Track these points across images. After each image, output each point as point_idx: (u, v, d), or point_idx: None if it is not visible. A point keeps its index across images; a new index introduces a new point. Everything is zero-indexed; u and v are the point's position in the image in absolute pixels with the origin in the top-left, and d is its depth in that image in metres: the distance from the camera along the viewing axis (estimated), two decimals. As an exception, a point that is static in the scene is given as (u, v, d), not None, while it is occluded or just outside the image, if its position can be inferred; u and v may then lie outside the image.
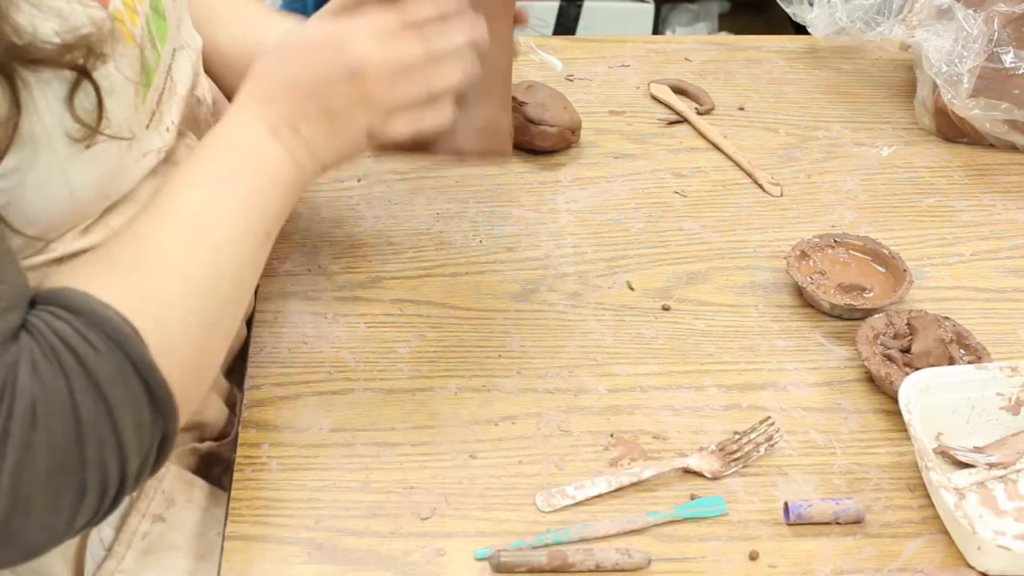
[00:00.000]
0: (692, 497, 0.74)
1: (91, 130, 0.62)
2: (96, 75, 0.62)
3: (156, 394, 0.59)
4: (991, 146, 1.11)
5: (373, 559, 0.69)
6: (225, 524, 0.71)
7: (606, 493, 0.73)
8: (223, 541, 0.70)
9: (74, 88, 0.61)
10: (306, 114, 0.69)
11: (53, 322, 0.58)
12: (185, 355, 0.63)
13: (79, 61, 0.60)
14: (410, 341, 0.85)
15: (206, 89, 0.84)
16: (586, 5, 2.42)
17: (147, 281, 0.63)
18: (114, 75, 0.64)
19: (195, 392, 0.67)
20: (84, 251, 0.67)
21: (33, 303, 0.60)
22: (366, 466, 0.75)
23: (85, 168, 0.64)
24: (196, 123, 0.81)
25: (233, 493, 0.72)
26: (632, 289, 0.92)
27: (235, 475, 0.73)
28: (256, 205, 0.69)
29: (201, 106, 0.82)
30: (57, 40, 0.59)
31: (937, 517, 0.73)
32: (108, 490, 0.58)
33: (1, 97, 0.57)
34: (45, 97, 0.60)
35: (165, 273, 0.64)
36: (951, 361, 0.82)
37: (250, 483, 0.73)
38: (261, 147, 0.69)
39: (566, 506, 0.73)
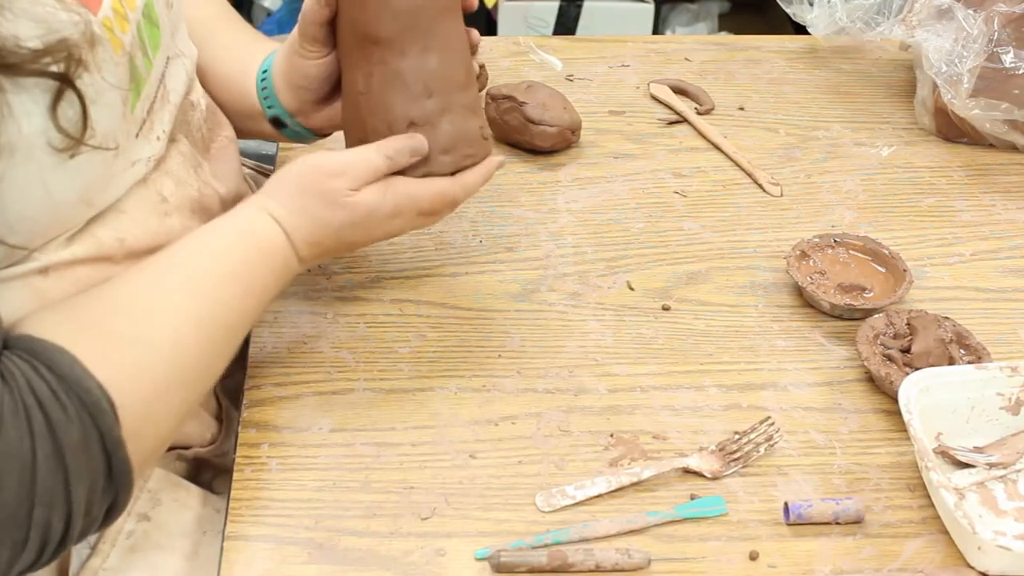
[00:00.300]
0: (692, 497, 0.74)
1: (75, 141, 0.61)
2: (80, 83, 0.61)
3: (116, 469, 0.60)
4: (991, 146, 1.11)
5: (373, 559, 0.69)
6: (225, 524, 0.71)
7: (606, 493, 0.73)
8: (223, 541, 0.70)
9: (57, 97, 0.60)
10: (331, 250, 0.77)
11: (34, 379, 0.58)
12: (156, 433, 0.65)
13: (59, 67, 0.59)
14: (410, 341, 0.85)
15: (200, 94, 0.83)
16: (586, 5, 2.42)
17: (144, 360, 0.64)
18: (99, 83, 0.63)
19: (155, 458, 0.68)
20: (69, 262, 0.66)
21: (19, 345, 0.59)
22: (366, 466, 0.75)
23: (68, 178, 0.64)
24: (188, 127, 0.80)
25: (233, 493, 0.72)
26: (632, 289, 0.92)
27: (235, 475, 0.73)
28: (254, 288, 0.72)
29: (195, 110, 0.81)
30: (37, 44, 0.58)
31: (937, 517, 0.73)
32: (48, 547, 0.58)
33: None
34: (24, 105, 0.59)
35: (163, 354, 0.65)
36: (951, 361, 0.82)
37: (250, 483, 0.73)
38: (270, 238, 0.73)
39: (566, 506, 0.73)
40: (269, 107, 0.85)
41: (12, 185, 0.60)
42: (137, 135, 0.70)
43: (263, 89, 0.85)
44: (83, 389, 0.58)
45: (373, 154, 0.74)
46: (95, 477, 0.59)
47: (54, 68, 0.59)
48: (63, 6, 0.61)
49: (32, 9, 0.59)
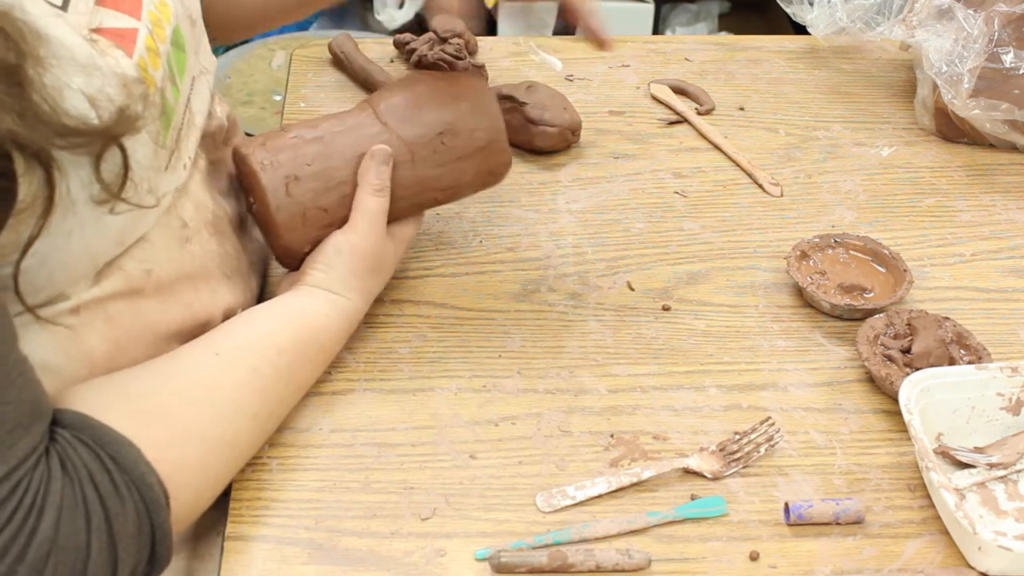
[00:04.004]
0: (692, 497, 0.74)
1: (114, 195, 0.61)
2: (124, 139, 0.61)
3: (159, 554, 0.62)
4: (991, 146, 1.11)
5: (373, 559, 0.69)
6: (225, 524, 0.71)
7: (606, 493, 0.73)
8: (223, 541, 0.70)
9: (101, 153, 0.59)
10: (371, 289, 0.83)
11: (96, 471, 0.59)
12: (198, 512, 0.67)
13: (118, 138, 0.59)
14: (410, 341, 0.85)
15: (217, 102, 0.83)
16: (586, 5, 2.41)
17: (204, 458, 0.66)
18: (139, 134, 0.63)
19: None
20: (100, 299, 0.66)
21: (83, 429, 0.60)
22: (366, 466, 0.75)
23: (107, 231, 0.64)
24: (211, 139, 0.80)
25: (233, 493, 0.72)
26: (632, 289, 0.91)
27: (235, 475, 0.73)
28: (307, 383, 0.77)
29: (212, 120, 0.80)
30: (93, 119, 0.57)
31: (937, 517, 0.73)
32: None
33: (35, 178, 0.55)
34: (75, 170, 0.59)
35: (222, 451, 0.68)
36: (951, 361, 0.82)
37: (250, 483, 0.73)
38: (333, 330, 0.78)
39: (566, 506, 0.73)
40: None
41: (55, 242, 0.60)
42: (166, 168, 0.69)
43: None
44: (144, 484, 0.60)
45: (369, 201, 0.79)
46: (139, 562, 0.61)
47: (115, 138, 0.59)
48: (101, 56, 0.60)
49: (80, 57, 0.58)
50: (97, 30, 0.62)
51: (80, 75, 0.58)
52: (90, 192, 0.61)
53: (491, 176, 0.86)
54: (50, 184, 0.55)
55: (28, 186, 0.55)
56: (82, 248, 0.63)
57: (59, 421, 0.60)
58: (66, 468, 0.58)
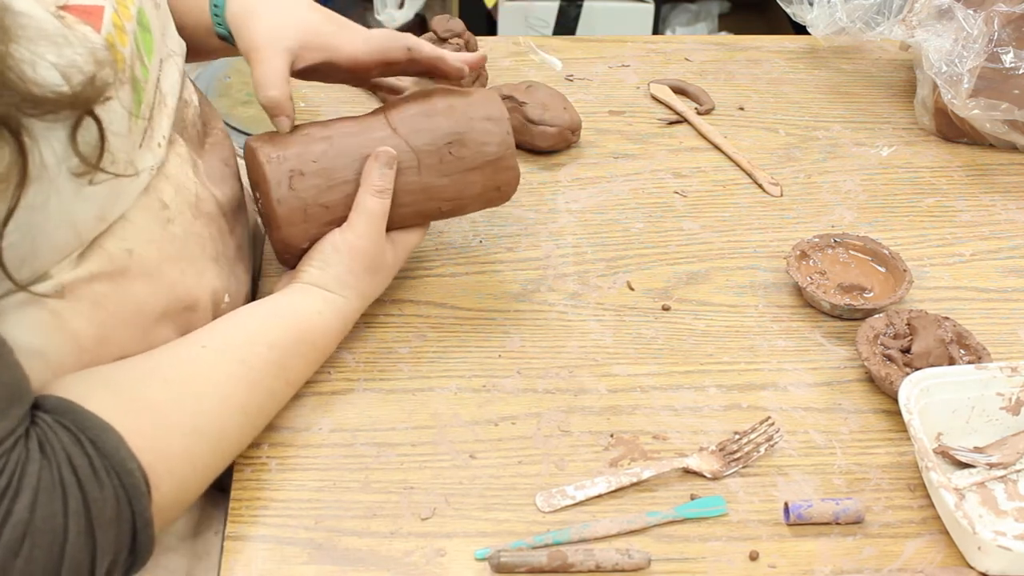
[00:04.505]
0: (692, 497, 0.74)
1: (91, 165, 0.61)
2: (97, 109, 0.61)
3: (140, 544, 0.61)
4: (991, 146, 1.11)
5: (373, 559, 0.69)
6: (225, 524, 0.71)
7: (606, 493, 0.73)
8: (223, 541, 0.70)
9: (76, 125, 0.60)
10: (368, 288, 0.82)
11: (75, 454, 0.58)
12: (184, 505, 0.67)
13: (88, 105, 0.60)
14: (410, 341, 0.85)
15: (192, 91, 0.83)
16: (586, 5, 2.42)
17: (190, 449, 0.66)
18: (110, 105, 0.63)
19: (175, 521, 0.71)
20: (86, 279, 0.66)
21: (65, 414, 0.60)
22: (366, 466, 0.75)
23: (87, 201, 0.64)
24: (184, 125, 0.80)
25: (233, 493, 0.72)
26: (632, 289, 0.91)
27: (235, 475, 0.73)
28: (298, 379, 0.77)
29: (188, 107, 0.81)
30: (63, 87, 0.57)
31: (937, 517, 0.73)
32: None
33: (7, 148, 0.55)
34: (48, 140, 0.59)
35: (209, 443, 0.68)
36: (951, 361, 0.82)
37: (250, 483, 0.73)
38: (326, 328, 0.78)
39: (566, 506, 0.73)
40: (218, 24, 0.86)
41: (35, 214, 0.60)
42: (140, 145, 0.70)
43: (214, 6, 0.86)
44: (125, 470, 0.60)
45: (369, 202, 0.79)
46: (119, 550, 0.60)
47: (86, 106, 0.59)
48: (70, 30, 0.60)
49: (50, 31, 0.58)
50: (64, 7, 0.62)
51: (50, 48, 0.58)
52: (68, 165, 0.61)
53: (498, 192, 0.86)
54: (22, 153, 0.55)
55: (1, 157, 0.55)
56: (64, 219, 0.63)
57: (41, 406, 0.61)
58: (44, 450, 0.58)
